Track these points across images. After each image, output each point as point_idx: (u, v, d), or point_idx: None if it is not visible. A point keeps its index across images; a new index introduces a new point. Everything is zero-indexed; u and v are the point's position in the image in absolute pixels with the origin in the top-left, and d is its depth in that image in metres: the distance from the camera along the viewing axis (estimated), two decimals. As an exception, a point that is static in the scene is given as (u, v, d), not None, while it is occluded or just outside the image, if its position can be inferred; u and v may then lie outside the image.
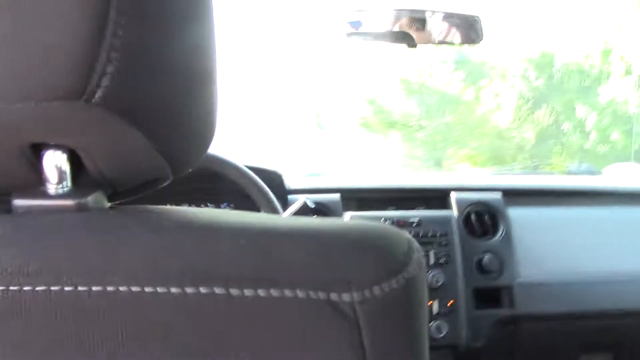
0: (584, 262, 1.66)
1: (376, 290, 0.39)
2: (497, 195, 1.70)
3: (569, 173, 2.08)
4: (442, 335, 1.53)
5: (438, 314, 1.55)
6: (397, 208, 1.71)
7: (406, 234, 0.44)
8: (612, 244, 1.70)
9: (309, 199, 1.45)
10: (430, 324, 1.53)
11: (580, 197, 1.79)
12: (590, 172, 2.05)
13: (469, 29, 1.45)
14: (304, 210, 1.44)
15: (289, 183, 1.69)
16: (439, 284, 1.55)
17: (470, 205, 1.66)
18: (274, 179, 1.65)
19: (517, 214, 1.69)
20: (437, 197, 1.72)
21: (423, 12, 1.47)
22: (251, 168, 1.60)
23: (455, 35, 1.46)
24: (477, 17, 1.45)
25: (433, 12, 1.46)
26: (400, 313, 0.41)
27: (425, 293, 0.43)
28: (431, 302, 1.55)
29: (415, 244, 0.45)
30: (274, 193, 1.61)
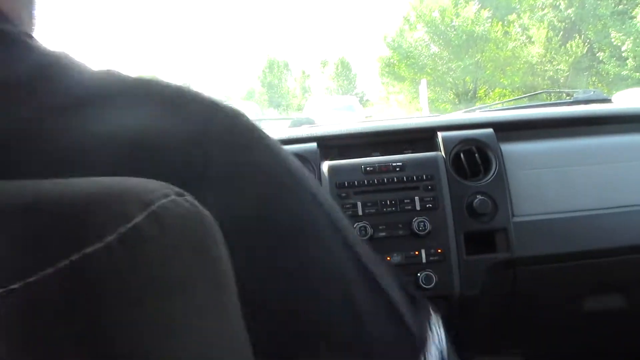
0: (587, 196, 1.52)
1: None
2: (488, 131, 1.56)
3: (575, 101, 1.91)
4: (431, 285, 1.42)
5: (426, 263, 1.44)
6: (383, 153, 1.60)
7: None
8: (619, 175, 1.55)
9: None
10: (419, 274, 1.42)
11: (580, 125, 1.63)
12: (599, 99, 1.88)
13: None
14: None
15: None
16: (426, 230, 1.43)
17: (458, 144, 1.53)
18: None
19: (512, 150, 1.55)
20: (423, 139, 1.59)
21: None
22: None
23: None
24: None
25: None
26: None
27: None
28: (417, 251, 1.44)
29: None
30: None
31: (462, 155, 1.52)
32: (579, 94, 1.92)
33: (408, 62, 17.47)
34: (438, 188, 1.48)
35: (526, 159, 1.55)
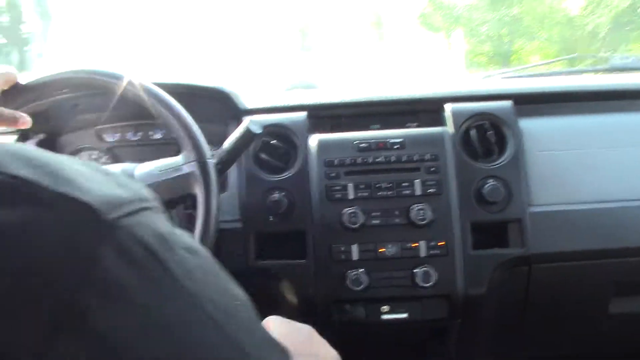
0: (618, 184, 1.30)
1: None
2: (506, 104, 1.33)
3: (611, 68, 1.66)
4: (430, 283, 1.23)
5: (425, 257, 1.25)
6: (383, 126, 1.39)
7: None
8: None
9: (255, 123, 1.14)
10: (416, 270, 1.23)
11: (615, 100, 1.40)
12: (638, 67, 1.63)
13: None
14: (246, 137, 1.14)
15: (248, 102, 1.39)
16: (426, 220, 1.24)
17: (469, 118, 1.32)
18: (222, 98, 1.36)
19: (533, 127, 1.33)
20: (429, 111, 1.37)
21: None
22: (192, 86, 1.31)
23: None
24: None
25: None
26: None
27: None
28: (415, 243, 1.25)
29: None
30: (225, 114, 1.33)
31: (473, 132, 1.30)
32: (616, 60, 1.67)
33: (443, 13, 16.88)
34: (443, 170, 1.27)
35: (549, 139, 1.33)
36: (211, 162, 1.05)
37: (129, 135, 1.44)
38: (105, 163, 1.42)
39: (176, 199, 1.09)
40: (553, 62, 1.80)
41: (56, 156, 0.38)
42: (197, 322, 0.38)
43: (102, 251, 0.33)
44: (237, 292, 0.45)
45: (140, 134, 1.43)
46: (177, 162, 1.07)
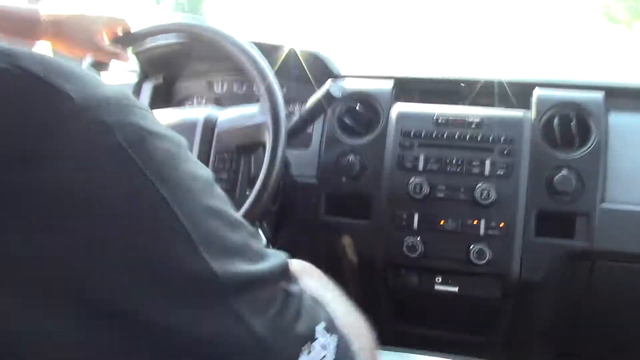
0: None
1: None
2: (597, 95, 1.30)
3: None
4: (483, 261, 1.25)
5: (483, 236, 1.27)
6: (471, 104, 1.41)
7: None
8: None
9: (336, 86, 1.22)
10: (472, 247, 1.26)
11: None
12: None
13: None
14: (326, 98, 1.23)
15: (341, 67, 1.47)
16: (489, 200, 1.26)
17: (554, 106, 1.30)
18: (317, 62, 1.45)
19: (623, 122, 1.29)
20: (519, 94, 1.37)
21: None
22: (291, 49, 1.42)
23: None
24: None
25: None
26: None
27: None
28: (476, 220, 1.27)
29: None
30: (319, 77, 1.42)
31: (556, 120, 1.29)
32: None
33: (627, 4, 15.68)
34: (516, 154, 1.27)
35: (638, 136, 1.28)
36: (283, 114, 1.14)
37: (236, 87, 1.57)
38: (211, 110, 1.57)
39: (249, 145, 1.20)
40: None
41: (71, 64, 0.41)
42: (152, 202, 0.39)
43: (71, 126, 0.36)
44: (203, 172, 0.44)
45: (245, 86, 1.56)
46: (252, 112, 1.18)
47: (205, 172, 0.43)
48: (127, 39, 1.19)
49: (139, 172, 0.37)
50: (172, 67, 1.55)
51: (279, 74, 1.40)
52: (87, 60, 1.21)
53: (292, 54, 1.42)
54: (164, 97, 1.57)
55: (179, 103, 1.59)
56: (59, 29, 1.08)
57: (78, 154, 0.36)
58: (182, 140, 0.43)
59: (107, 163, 0.37)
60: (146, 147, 0.38)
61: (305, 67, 1.43)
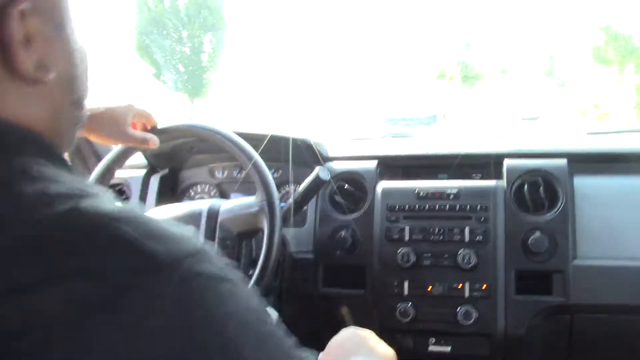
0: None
1: None
2: (561, 162, 1.44)
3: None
4: (470, 322, 1.37)
5: (469, 297, 1.38)
6: (449, 176, 1.55)
7: None
8: None
9: (324, 170, 1.37)
10: (459, 309, 1.38)
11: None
12: None
13: None
14: (316, 182, 1.37)
15: (330, 150, 1.62)
16: (471, 264, 1.38)
17: (523, 174, 1.44)
18: (308, 147, 1.59)
19: (586, 184, 1.42)
20: (491, 164, 1.51)
21: None
22: (284, 138, 1.56)
23: None
24: None
25: None
26: None
27: None
28: (461, 284, 1.39)
29: None
30: (311, 159, 1.56)
31: (525, 187, 1.42)
32: None
33: (616, 45, 16.05)
34: (491, 220, 1.40)
35: (601, 196, 1.41)
36: (277, 202, 1.28)
37: (235, 174, 1.72)
38: (214, 195, 1.71)
39: (249, 231, 1.33)
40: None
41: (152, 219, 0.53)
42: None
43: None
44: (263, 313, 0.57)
45: (243, 171, 1.70)
46: (250, 202, 1.32)
47: (256, 303, 0.55)
48: (154, 133, 1.34)
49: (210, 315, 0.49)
50: (177, 159, 1.70)
51: (274, 159, 1.56)
52: (119, 146, 1.35)
53: (285, 141, 1.57)
54: (170, 186, 1.72)
55: (185, 190, 1.74)
56: (94, 123, 1.20)
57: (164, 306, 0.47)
58: (239, 278, 0.55)
59: (188, 310, 0.48)
60: (215, 291, 0.50)
61: (299, 152, 1.58)
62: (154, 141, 1.29)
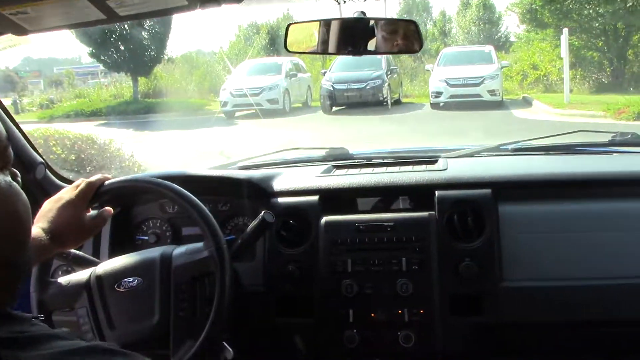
0: (587, 265, 1.50)
1: None
2: (485, 192, 1.57)
3: (611, 143, 1.82)
4: (410, 344, 1.50)
5: (408, 322, 1.51)
6: (385, 205, 1.67)
7: None
8: (625, 244, 1.50)
9: (269, 213, 1.47)
10: (399, 333, 1.51)
11: (590, 188, 1.59)
12: (636, 143, 1.79)
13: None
14: (262, 224, 1.47)
15: (274, 186, 1.70)
16: (409, 292, 1.51)
17: (453, 205, 1.56)
18: (252, 185, 1.68)
19: (510, 211, 1.56)
20: (423, 195, 1.63)
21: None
22: (218, 177, 1.65)
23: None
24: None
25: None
26: None
27: None
28: (400, 310, 1.52)
29: None
30: (257, 195, 1.65)
31: (455, 217, 1.55)
32: (617, 136, 1.84)
33: (551, 8, 16.38)
34: (426, 250, 1.53)
35: (524, 222, 1.55)
36: (225, 248, 1.37)
37: None
38: (166, 230, 1.78)
39: (200, 275, 1.42)
40: (558, 135, 1.97)
41: None
42: None
43: None
44: None
45: None
46: (199, 247, 1.41)
47: None
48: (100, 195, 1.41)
49: None
50: (128, 198, 1.77)
51: (224, 194, 1.65)
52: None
53: (232, 180, 1.67)
54: (123, 223, 1.78)
55: (137, 226, 1.81)
56: (56, 242, 1.27)
57: None
58: None
59: None
60: None
61: (245, 189, 1.67)
62: (109, 212, 1.37)
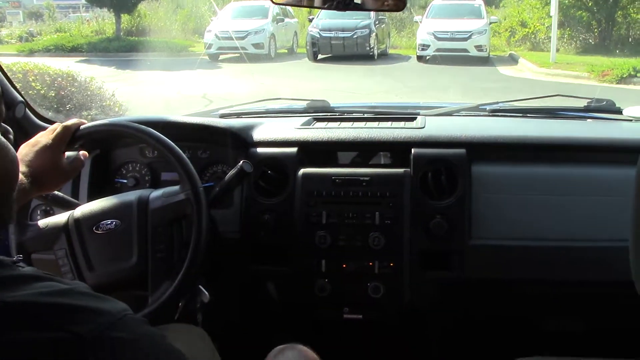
0: (554, 226, 1.55)
1: None
2: (460, 152, 1.60)
3: (587, 108, 1.86)
4: (379, 295, 1.56)
5: (378, 274, 1.57)
6: (363, 160, 1.70)
7: None
8: (592, 208, 1.55)
9: (247, 163, 1.49)
10: (369, 284, 1.56)
11: (562, 151, 1.63)
12: (609, 110, 1.83)
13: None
14: (240, 175, 1.49)
15: (254, 136, 1.72)
16: (380, 245, 1.55)
17: (428, 163, 1.60)
18: (234, 134, 1.70)
19: (483, 172, 1.60)
20: (400, 151, 1.66)
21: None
22: (198, 125, 1.67)
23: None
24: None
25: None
26: None
27: None
28: (371, 262, 1.57)
29: None
30: (238, 143, 1.67)
31: (429, 175, 1.58)
32: (593, 102, 1.87)
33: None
34: (399, 206, 1.57)
35: (496, 183, 1.59)
36: (201, 191, 1.40)
37: None
38: (145, 174, 1.80)
39: (177, 218, 1.45)
40: (537, 97, 2.00)
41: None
42: None
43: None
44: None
45: None
46: (176, 190, 1.43)
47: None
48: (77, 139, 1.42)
49: None
50: (108, 140, 1.78)
51: (204, 141, 1.67)
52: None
53: (212, 129, 1.68)
54: (102, 166, 1.80)
55: (116, 170, 1.82)
56: (36, 185, 1.29)
57: None
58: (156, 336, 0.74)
59: None
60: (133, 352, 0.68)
61: (227, 138, 1.69)
62: (85, 156, 1.40)
